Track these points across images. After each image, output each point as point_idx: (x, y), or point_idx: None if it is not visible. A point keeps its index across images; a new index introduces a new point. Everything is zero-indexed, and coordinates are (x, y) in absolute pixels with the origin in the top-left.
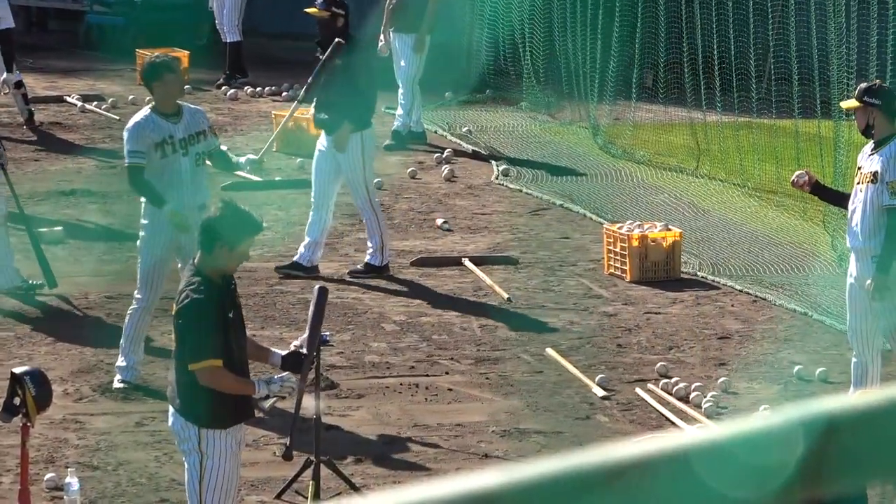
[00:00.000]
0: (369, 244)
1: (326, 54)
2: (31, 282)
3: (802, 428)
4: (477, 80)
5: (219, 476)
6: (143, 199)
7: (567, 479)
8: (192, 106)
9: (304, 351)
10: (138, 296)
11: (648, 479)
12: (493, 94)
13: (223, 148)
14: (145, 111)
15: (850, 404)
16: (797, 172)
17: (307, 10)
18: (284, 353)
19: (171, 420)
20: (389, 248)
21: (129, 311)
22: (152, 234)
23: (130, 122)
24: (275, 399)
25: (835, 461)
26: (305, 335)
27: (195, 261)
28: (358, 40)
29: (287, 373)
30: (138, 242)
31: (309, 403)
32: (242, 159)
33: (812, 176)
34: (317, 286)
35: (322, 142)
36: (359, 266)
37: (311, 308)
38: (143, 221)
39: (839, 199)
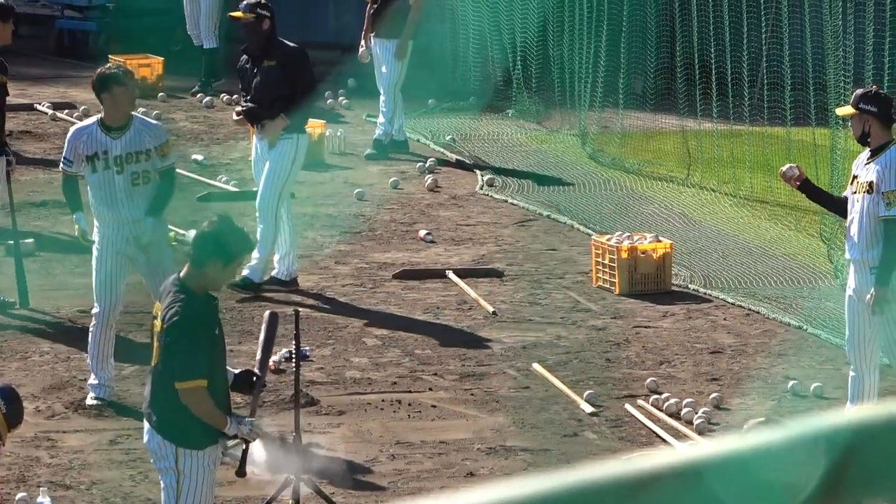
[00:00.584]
0: (255, 254)
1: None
2: (2, 298)
3: (822, 443)
4: (461, 88)
5: (195, 496)
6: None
7: (581, 495)
8: (152, 122)
9: (258, 371)
10: (95, 311)
11: (663, 496)
12: (477, 101)
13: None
14: (91, 120)
15: (866, 420)
16: (788, 165)
17: (231, 13)
18: (237, 370)
19: (146, 437)
20: (272, 265)
21: (90, 329)
22: (101, 247)
23: (71, 129)
24: (238, 442)
25: (854, 476)
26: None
27: (181, 275)
28: (286, 44)
29: (257, 419)
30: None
31: (287, 420)
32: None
33: (802, 172)
34: (268, 312)
35: (255, 147)
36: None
37: (262, 335)
38: (94, 235)
39: (827, 201)
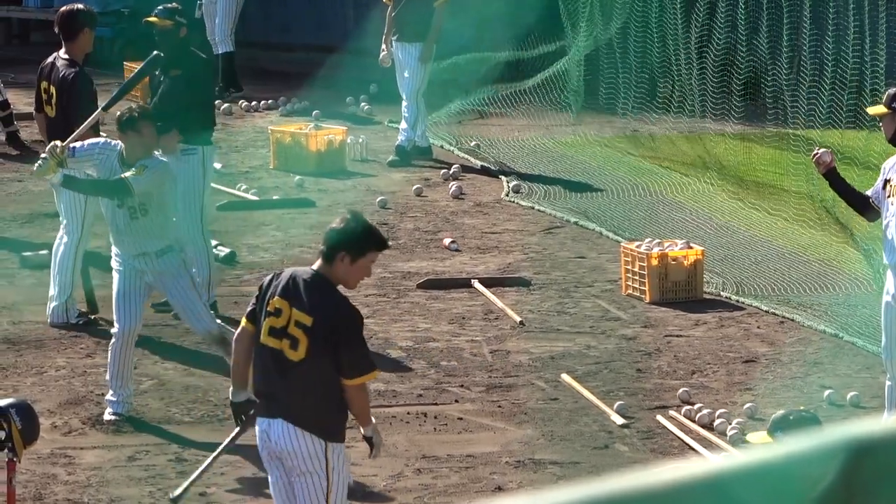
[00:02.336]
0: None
1: (143, 65)
2: (78, 310)
3: (836, 451)
4: (485, 92)
5: (342, 488)
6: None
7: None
8: (160, 160)
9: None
10: (115, 330)
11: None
12: (501, 108)
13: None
14: (119, 146)
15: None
16: (824, 149)
17: (148, 18)
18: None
19: (284, 441)
20: (217, 284)
21: (110, 346)
22: (118, 265)
23: (103, 139)
24: None
25: (867, 483)
26: None
27: (318, 269)
28: (197, 55)
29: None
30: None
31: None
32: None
33: (833, 160)
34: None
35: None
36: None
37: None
38: (112, 253)
39: (848, 192)
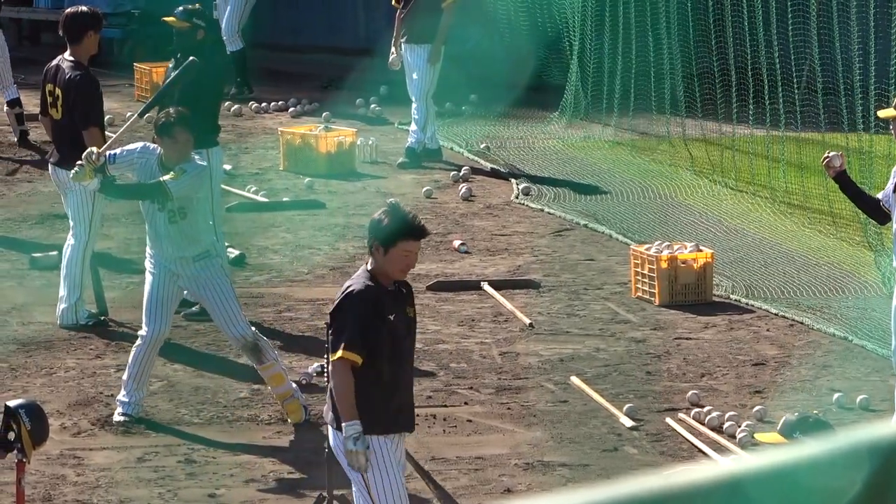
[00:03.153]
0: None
1: (180, 71)
2: (88, 311)
3: (867, 452)
4: (496, 94)
5: (384, 480)
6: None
7: None
8: (199, 164)
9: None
10: (143, 332)
11: None
12: (510, 108)
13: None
14: (158, 150)
15: None
16: (836, 152)
17: (165, 18)
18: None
19: (332, 437)
20: None
21: (134, 347)
22: (153, 268)
23: (142, 144)
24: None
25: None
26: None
27: (365, 264)
28: (214, 59)
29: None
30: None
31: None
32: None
33: (844, 163)
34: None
35: None
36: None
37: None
38: (147, 255)
39: (858, 196)
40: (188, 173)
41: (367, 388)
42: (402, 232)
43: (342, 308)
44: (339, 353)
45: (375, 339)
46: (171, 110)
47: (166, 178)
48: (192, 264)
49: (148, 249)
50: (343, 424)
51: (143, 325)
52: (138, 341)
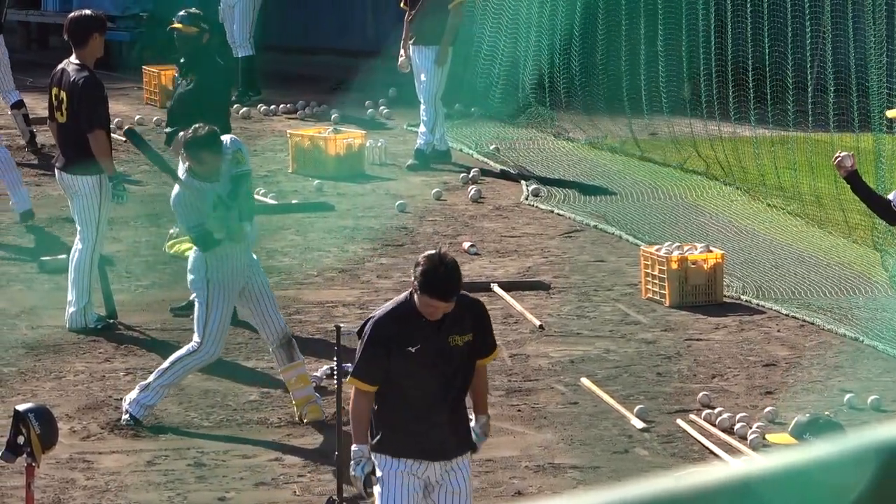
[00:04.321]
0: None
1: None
2: (96, 314)
3: (878, 453)
4: (506, 96)
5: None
6: (193, 250)
7: None
8: (227, 149)
9: None
10: (204, 351)
11: None
12: (505, 107)
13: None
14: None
15: None
16: (847, 153)
17: (173, 25)
18: (476, 431)
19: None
20: None
21: (181, 359)
22: (222, 285)
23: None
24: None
25: None
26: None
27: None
28: (216, 61)
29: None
30: (199, 296)
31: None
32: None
33: (855, 163)
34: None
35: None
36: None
37: None
38: (203, 273)
39: (869, 197)
40: (241, 151)
41: (389, 409)
42: (424, 287)
43: (362, 333)
44: (348, 379)
45: (397, 367)
46: (200, 130)
47: (235, 171)
48: (248, 252)
49: (206, 268)
50: (351, 447)
51: (203, 345)
52: (195, 357)
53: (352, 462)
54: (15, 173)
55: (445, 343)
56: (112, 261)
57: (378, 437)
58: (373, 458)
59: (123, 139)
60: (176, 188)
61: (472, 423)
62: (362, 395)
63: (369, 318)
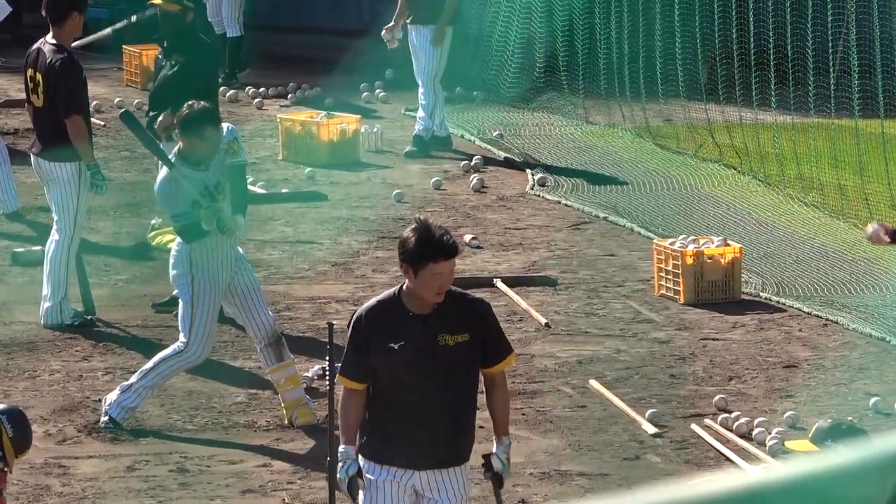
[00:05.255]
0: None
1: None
2: (74, 310)
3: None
4: (504, 78)
5: None
6: (176, 242)
7: None
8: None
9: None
10: (191, 352)
11: None
12: (512, 91)
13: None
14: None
15: None
16: (871, 227)
17: (154, 1)
18: (499, 457)
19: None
20: None
21: (170, 360)
22: (207, 281)
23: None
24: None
25: None
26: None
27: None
28: (202, 40)
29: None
30: (183, 293)
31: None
32: None
33: (887, 226)
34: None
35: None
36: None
37: None
38: (187, 267)
39: None
40: (237, 141)
41: (375, 411)
42: (430, 251)
43: (348, 329)
44: (337, 378)
45: (380, 364)
46: (196, 105)
47: (230, 161)
48: (235, 246)
49: (190, 263)
50: (341, 452)
51: (189, 347)
52: (181, 358)
53: (338, 464)
54: (8, 171)
55: (434, 341)
56: (89, 252)
57: (364, 440)
58: (359, 461)
59: (103, 123)
60: (162, 174)
61: (494, 449)
62: (350, 394)
63: (352, 315)
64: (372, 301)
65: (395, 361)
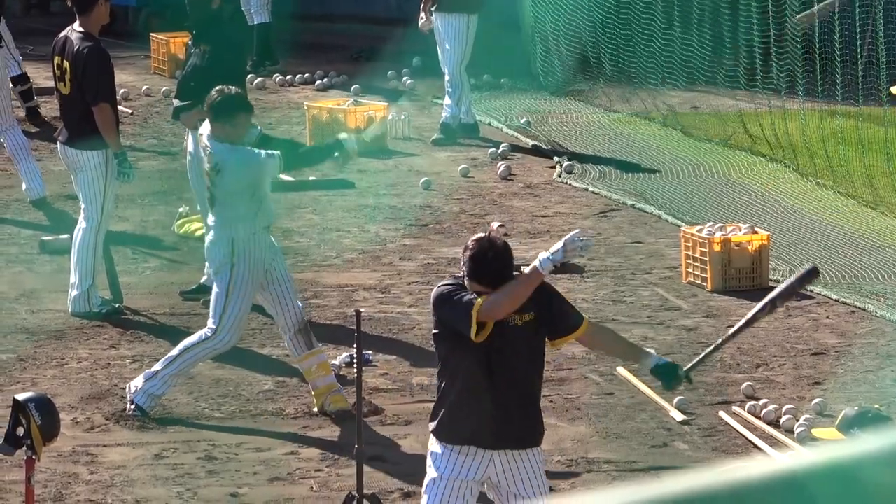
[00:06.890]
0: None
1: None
2: (102, 298)
3: None
4: (534, 66)
5: (430, 491)
6: (214, 232)
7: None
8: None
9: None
10: (219, 338)
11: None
12: (546, 81)
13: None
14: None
15: None
16: None
17: None
18: (661, 361)
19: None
20: None
21: (196, 348)
22: (247, 269)
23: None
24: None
25: None
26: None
27: None
28: (229, 28)
29: None
30: (220, 280)
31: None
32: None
33: None
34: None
35: (189, 145)
36: None
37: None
38: (228, 255)
39: None
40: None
41: (450, 394)
42: (472, 273)
43: (438, 301)
44: (474, 311)
45: (454, 338)
46: (228, 91)
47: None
48: (270, 232)
49: (230, 252)
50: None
51: (218, 334)
52: (209, 344)
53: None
54: (30, 159)
55: (503, 322)
56: (116, 241)
57: (438, 421)
58: (430, 444)
59: (130, 111)
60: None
61: (651, 365)
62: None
63: (437, 288)
64: (448, 279)
65: (468, 342)
